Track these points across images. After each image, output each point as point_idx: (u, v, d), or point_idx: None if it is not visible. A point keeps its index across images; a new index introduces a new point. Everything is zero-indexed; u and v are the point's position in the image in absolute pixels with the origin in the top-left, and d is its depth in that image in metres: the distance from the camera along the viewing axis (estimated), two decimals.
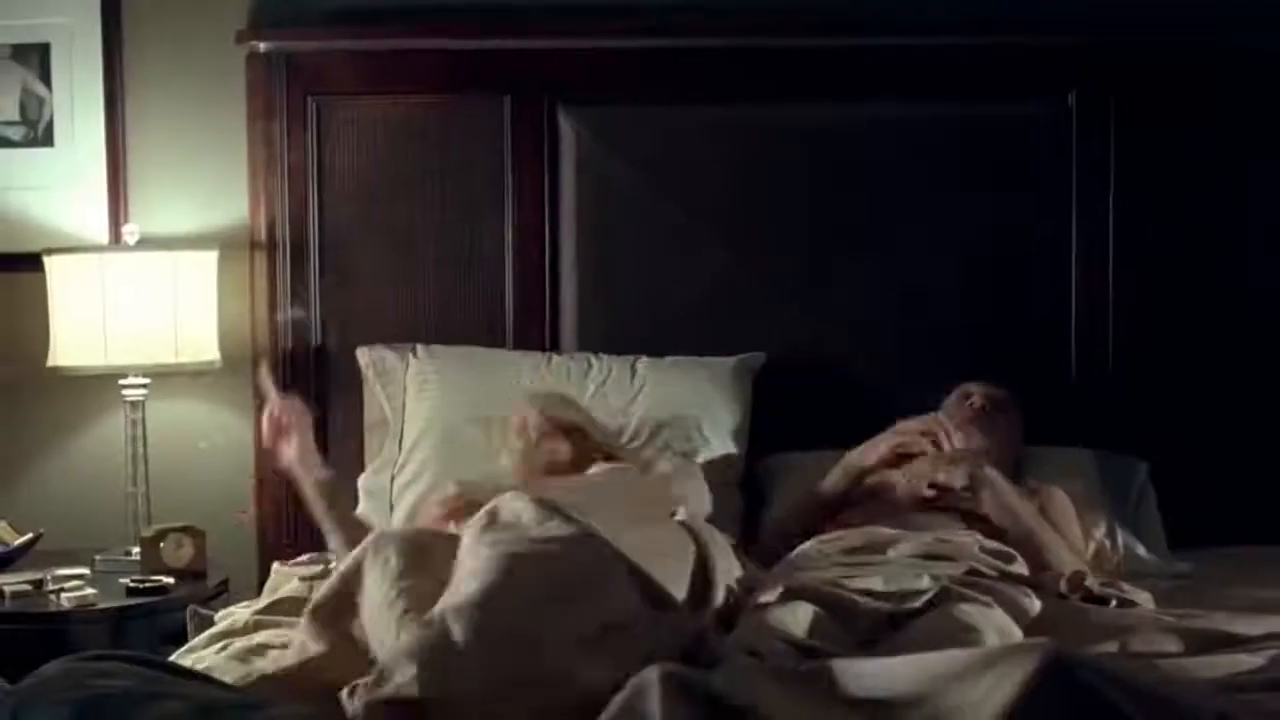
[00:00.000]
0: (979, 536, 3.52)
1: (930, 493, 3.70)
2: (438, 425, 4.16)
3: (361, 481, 4.23)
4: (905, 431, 3.87)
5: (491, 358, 4.30)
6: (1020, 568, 3.43)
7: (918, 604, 3.02)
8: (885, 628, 2.98)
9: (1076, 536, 3.80)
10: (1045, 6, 4.40)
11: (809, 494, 3.93)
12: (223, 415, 4.52)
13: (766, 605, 2.98)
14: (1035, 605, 3.17)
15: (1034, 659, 2.20)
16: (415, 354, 4.29)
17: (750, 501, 4.13)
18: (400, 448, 4.21)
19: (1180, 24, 4.41)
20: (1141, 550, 3.95)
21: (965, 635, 2.83)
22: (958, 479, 3.71)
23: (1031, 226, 4.42)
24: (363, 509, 4.14)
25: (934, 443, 3.85)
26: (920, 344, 4.35)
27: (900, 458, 3.87)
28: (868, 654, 2.79)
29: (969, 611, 2.94)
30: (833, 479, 3.90)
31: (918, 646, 2.75)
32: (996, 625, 2.93)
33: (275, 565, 3.82)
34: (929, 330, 4.35)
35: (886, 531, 3.54)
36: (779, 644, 2.79)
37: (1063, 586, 3.39)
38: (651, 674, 2.27)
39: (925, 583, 3.09)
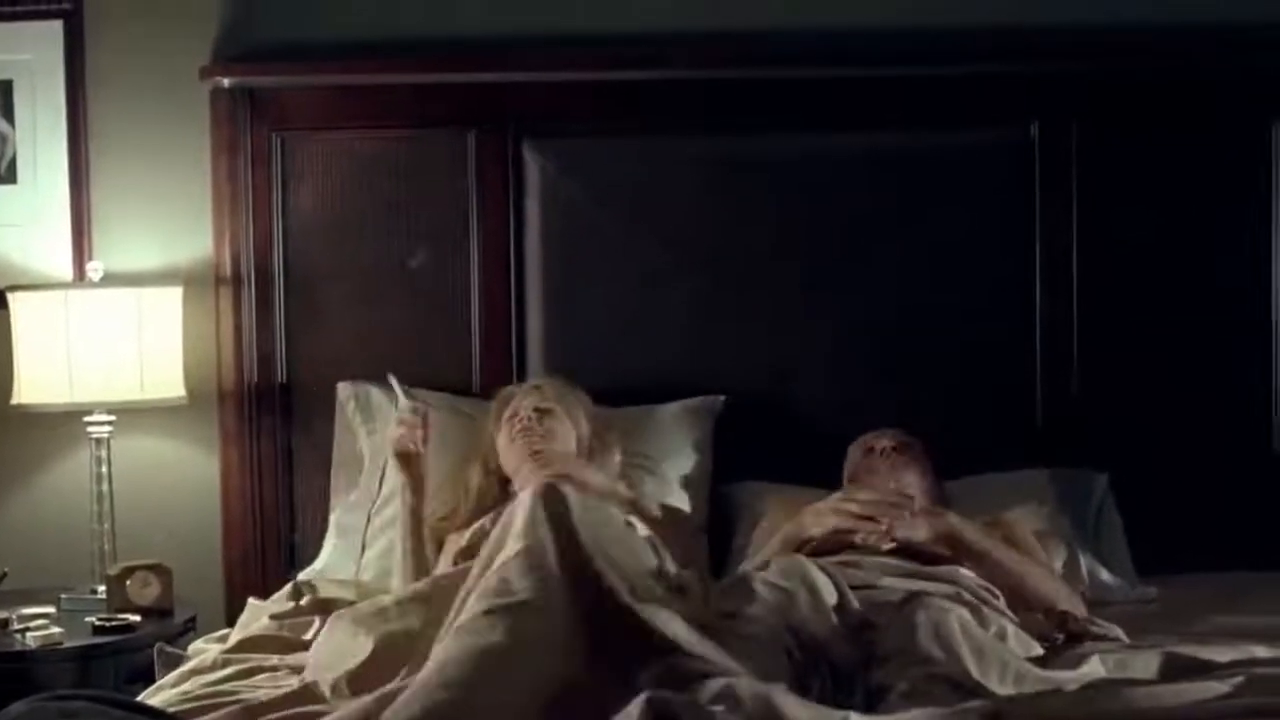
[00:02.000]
0: (961, 570, 3.53)
1: (890, 545, 3.68)
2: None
3: (334, 518, 4.22)
4: (848, 511, 3.72)
5: (479, 408, 4.23)
6: (1001, 604, 3.45)
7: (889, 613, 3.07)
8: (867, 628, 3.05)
9: (1046, 562, 3.81)
10: (1006, 37, 4.43)
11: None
12: (189, 452, 4.50)
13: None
14: (1011, 634, 3.20)
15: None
16: (405, 394, 4.27)
17: (714, 531, 4.15)
18: (380, 487, 4.18)
19: (1140, 52, 4.44)
20: (1106, 575, 3.97)
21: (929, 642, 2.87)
22: (920, 533, 3.65)
23: (996, 256, 4.43)
24: (334, 544, 4.14)
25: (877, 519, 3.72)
26: (887, 376, 4.36)
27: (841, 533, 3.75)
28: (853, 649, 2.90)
29: (940, 609, 2.97)
30: (772, 548, 3.80)
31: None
32: (963, 625, 2.95)
33: (250, 600, 3.81)
34: (895, 362, 4.36)
35: (870, 559, 3.56)
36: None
37: (1044, 621, 3.42)
38: (633, 705, 2.30)
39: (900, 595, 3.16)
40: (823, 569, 3.16)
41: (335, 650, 3.02)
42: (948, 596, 3.25)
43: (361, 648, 2.96)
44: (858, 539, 3.66)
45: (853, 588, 3.24)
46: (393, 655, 2.93)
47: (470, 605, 2.74)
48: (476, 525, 3.73)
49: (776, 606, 2.97)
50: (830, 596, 3.09)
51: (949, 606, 3.02)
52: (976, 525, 3.73)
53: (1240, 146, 4.42)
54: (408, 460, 3.85)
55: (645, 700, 2.31)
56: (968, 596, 3.33)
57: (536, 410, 3.91)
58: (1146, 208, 4.42)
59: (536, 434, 3.88)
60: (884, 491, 3.77)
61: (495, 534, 2.98)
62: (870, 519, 3.67)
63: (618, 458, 4.00)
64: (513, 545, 2.85)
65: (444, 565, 3.70)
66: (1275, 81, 4.42)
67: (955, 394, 4.34)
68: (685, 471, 4.19)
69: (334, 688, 2.89)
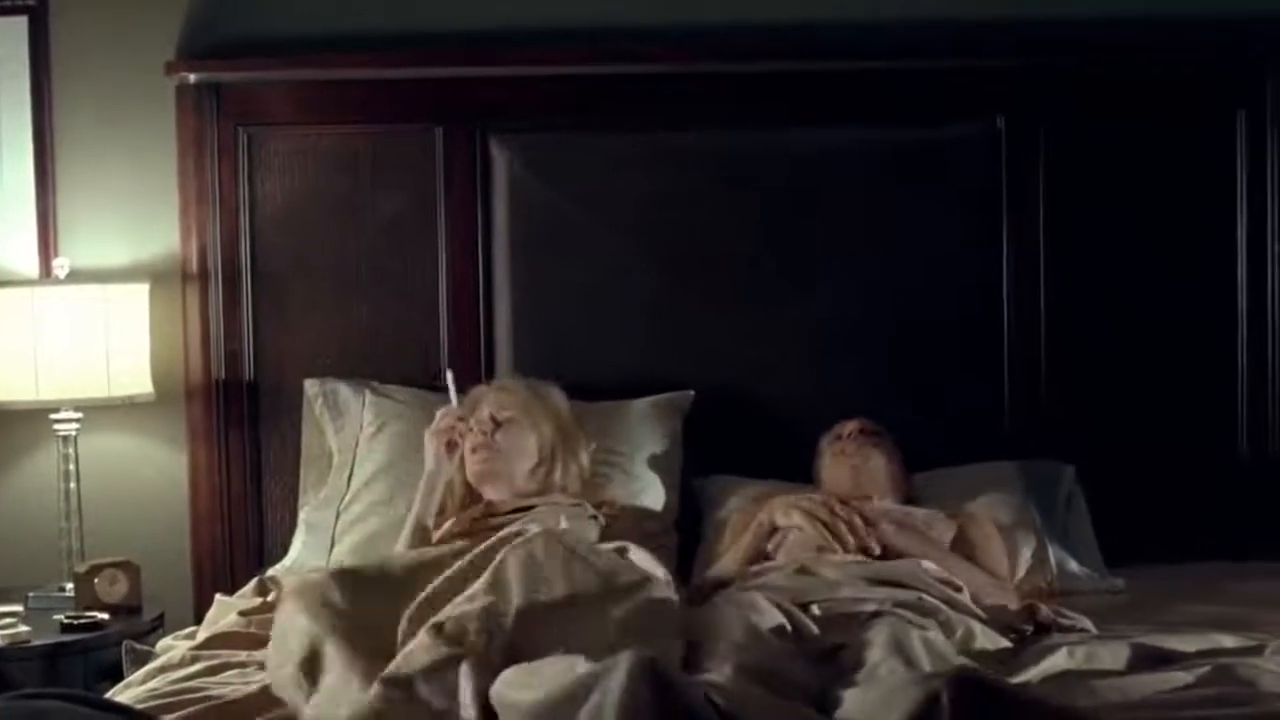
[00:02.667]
0: (923, 563, 3.53)
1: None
2: (395, 469, 4.13)
3: (304, 515, 4.21)
4: (815, 515, 3.76)
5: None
6: (966, 597, 3.45)
7: (854, 628, 3.04)
8: (830, 651, 3.01)
9: (1000, 562, 3.81)
10: (973, 31, 4.44)
11: (729, 559, 3.86)
12: (156, 448, 4.49)
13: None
14: (979, 633, 3.20)
15: (944, 682, 2.31)
16: (373, 390, 4.29)
17: (685, 526, 4.15)
18: (349, 484, 4.18)
19: (1106, 46, 4.46)
20: (1074, 565, 3.98)
21: (891, 659, 2.85)
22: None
23: (963, 249, 4.44)
24: (303, 540, 4.13)
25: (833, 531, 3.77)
26: (855, 369, 4.37)
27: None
28: (818, 673, 2.86)
29: (903, 628, 2.96)
30: (746, 541, 3.83)
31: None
32: (926, 642, 2.94)
33: (218, 597, 3.80)
34: (863, 354, 4.37)
35: (834, 558, 3.56)
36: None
37: (1013, 612, 3.43)
38: (622, 658, 2.32)
39: (869, 607, 3.12)
40: (775, 603, 3.11)
41: (290, 640, 3.00)
42: (911, 605, 3.22)
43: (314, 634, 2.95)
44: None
45: (808, 603, 3.22)
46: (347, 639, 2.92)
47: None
48: (443, 531, 3.79)
49: (724, 631, 2.96)
50: (775, 619, 3.04)
51: (910, 627, 3.00)
52: (925, 517, 3.78)
53: (1206, 139, 4.45)
54: (451, 449, 3.89)
55: (633, 659, 2.31)
56: (930, 601, 3.29)
57: (493, 420, 3.93)
58: (1113, 200, 4.44)
59: (491, 449, 3.90)
60: (853, 504, 3.80)
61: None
62: (829, 529, 3.71)
63: (586, 459, 4.01)
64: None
65: None
66: (1239, 74, 4.45)
67: (923, 387, 4.35)
68: (655, 466, 4.18)
69: (295, 678, 2.88)
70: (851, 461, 3.97)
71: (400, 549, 3.77)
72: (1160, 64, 4.45)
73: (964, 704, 2.27)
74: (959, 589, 3.46)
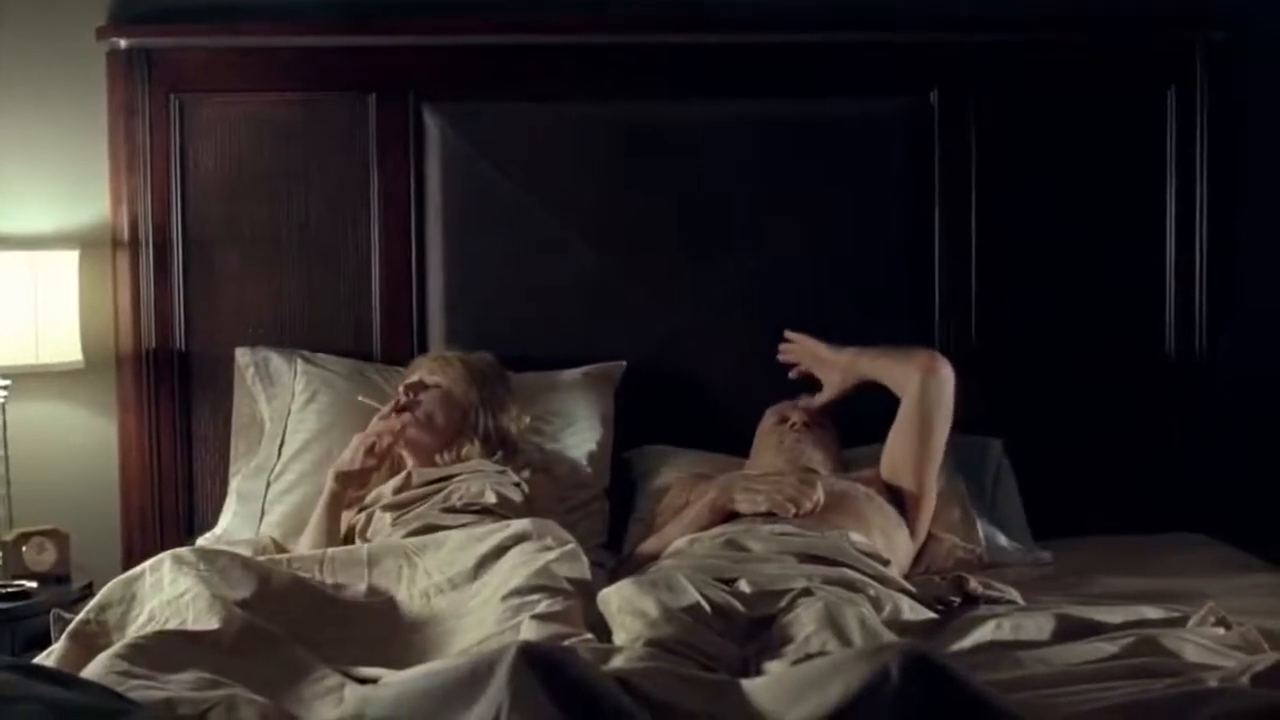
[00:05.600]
0: (851, 535, 3.54)
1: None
2: (325, 439, 4.12)
3: (235, 484, 4.20)
4: (775, 499, 3.70)
5: (380, 374, 4.27)
6: (893, 571, 3.47)
7: (782, 603, 3.04)
8: (757, 626, 3.01)
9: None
10: (907, 5, 4.46)
11: (676, 524, 3.80)
12: (86, 416, 4.46)
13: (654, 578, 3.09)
14: (906, 608, 3.22)
15: (894, 655, 2.30)
16: (304, 359, 4.28)
17: (616, 496, 4.16)
18: (280, 453, 4.17)
19: (1038, 21, 4.49)
20: (1002, 539, 4.03)
21: (823, 632, 2.86)
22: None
23: (895, 223, 4.47)
24: (234, 510, 4.12)
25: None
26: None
27: None
28: (743, 651, 2.86)
29: (832, 606, 2.96)
30: (701, 518, 3.75)
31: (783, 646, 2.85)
32: (861, 618, 2.95)
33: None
34: (793, 328, 4.36)
35: (764, 529, 3.56)
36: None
37: (942, 584, 3.45)
38: (509, 649, 2.28)
39: (798, 584, 3.13)
40: (693, 582, 3.08)
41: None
42: (838, 582, 3.22)
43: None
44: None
45: (734, 579, 3.21)
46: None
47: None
48: (369, 501, 3.80)
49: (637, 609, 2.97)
50: (691, 598, 3.01)
51: (844, 603, 3.00)
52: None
53: (1136, 115, 4.49)
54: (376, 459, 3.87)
55: (519, 649, 2.29)
56: (858, 579, 3.29)
57: (421, 385, 3.92)
58: (1045, 176, 4.48)
59: (411, 413, 3.88)
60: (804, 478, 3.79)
61: None
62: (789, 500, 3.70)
63: (515, 432, 4.01)
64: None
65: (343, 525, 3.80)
66: (1170, 50, 4.48)
67: None
68: (586, 437, 4.20)
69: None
70: (789, 456, 3.94)
71: (306, 541, 3.77)
72: (1092, 40, 4.49)
73: (912, 678, 2.27)
74: (885, 563, 3.48)
